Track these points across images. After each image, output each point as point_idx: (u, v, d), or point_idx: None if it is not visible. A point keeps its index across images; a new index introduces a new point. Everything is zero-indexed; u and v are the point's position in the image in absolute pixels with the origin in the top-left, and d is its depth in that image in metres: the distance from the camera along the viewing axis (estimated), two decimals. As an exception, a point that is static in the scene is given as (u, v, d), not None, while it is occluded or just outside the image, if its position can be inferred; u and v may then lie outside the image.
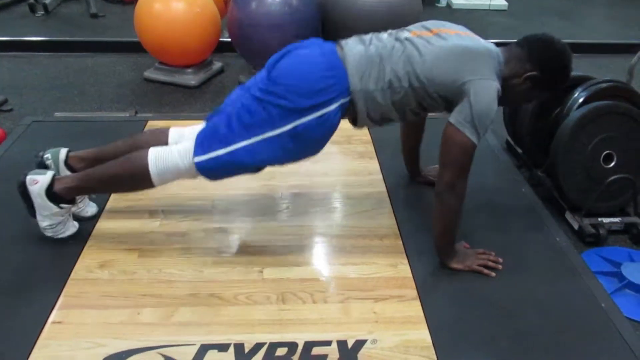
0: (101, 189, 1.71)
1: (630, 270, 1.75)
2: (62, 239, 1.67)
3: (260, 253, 1.69)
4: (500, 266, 1.65)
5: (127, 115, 2.70)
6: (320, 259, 1.68)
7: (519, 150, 2.47)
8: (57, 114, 2.70)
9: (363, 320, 1.45)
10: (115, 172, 1.59)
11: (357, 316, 1.46)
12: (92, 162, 1.79)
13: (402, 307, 1.50)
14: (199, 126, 1.64)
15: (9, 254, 1.63)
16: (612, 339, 1.43)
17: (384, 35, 1.58)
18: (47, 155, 1.73)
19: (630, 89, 2.08)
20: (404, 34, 1.57)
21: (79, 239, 1.69)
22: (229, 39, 3.23)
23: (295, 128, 1.48)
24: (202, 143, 1.53)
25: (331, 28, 3.24)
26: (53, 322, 1.40)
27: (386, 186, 2.05)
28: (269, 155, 1.53)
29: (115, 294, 1.50)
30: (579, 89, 2.10)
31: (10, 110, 2.84)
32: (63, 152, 1.74)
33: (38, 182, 1.59)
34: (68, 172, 1.72)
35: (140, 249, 1.67)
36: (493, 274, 1.62)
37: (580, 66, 3.81)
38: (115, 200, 1.89)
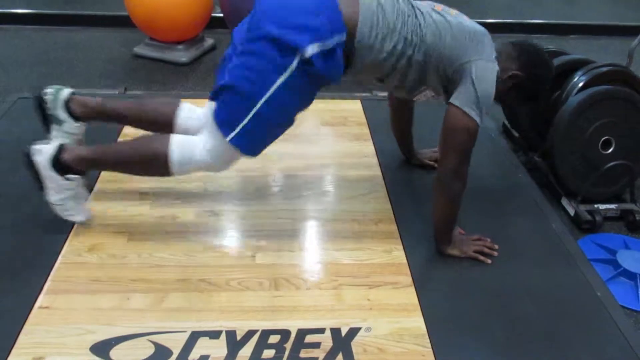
0: (113, 167, 1.64)
1: (625, 258, 1.74)
2: (46, 222, 1.62)
3: (252, 237, 1.66)
4: (495, 253, 1.64)
5: (117, 92, 2.62)
6: (314, 244, 1.65)
7: (516, 134, 2.44)
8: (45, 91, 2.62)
9: (357, 307, 1.43)
10: (135, 153, 1.53)
11: (351, 303, 1.44)
12: (94, 111, 1.71)
13: (396, 294, 1.48)
14: (207, 109, 1.57)
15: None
16: (607, 328, 1.43)
17: None
18: (49, 90, 1.66)
19: (630, 73, 2.05)
20: (413, 2, 1.52)
21: (65, 221, 1.65)
22: (221, 14, 3.15)
23: (299, 66, 1.37)
24: (225, 122, 1.45)
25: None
26: (40, 307, 1.36)
27: (381, 169, 2.02)
28: (292, 101, 1.45)
29: (105, 279, 1.46)
30: (579, 73, 2.06)
31: (-4, 86, 2.77)
32: (66, 91, 1.68)
33: (42, 151, 1.52)
34: (64, 114, 1.66)
35: (130, 232, 1.63)
36: (489, 260, 1.61)
37: (578, 48, 3.80)
38: (105, 181, 1.84)
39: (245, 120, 1.42)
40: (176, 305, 1.40)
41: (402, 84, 1.57)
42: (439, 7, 1.54)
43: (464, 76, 1.45)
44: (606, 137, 1.96)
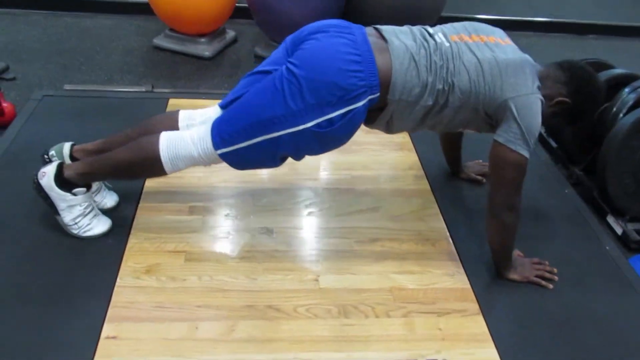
0: (112, 174, 1.60)
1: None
2: (97, 240, 1.56)
3: (311, 258, 1.62)
4: (556, 277, 1.63)
5: (144, 90, 2.53)
6: (375, 266, 1.61)
7: (554, 144, 2.42)
8: (67, 87, 2.51)
9: (429, 337, 1.41)
10: (126, 158, 1.50)
11: (423, 332, 1.42)
12: (98, 153, 1.66)
13: (466, 323, 1.46)
14: (211, 110, 1.57)
15: (43, 256, 1.51)
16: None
17: (426, 35, 1.46)
18: (52, 152, 1.64)
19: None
20: (446, 37, 1.46)
21: (117, 239, 1.59)
22: (244, 4, 3.04)
23: (318, 125, 1.36)
24: (221, 134, 1.42)
25: (357, 2, 3.08)
26: (107, 337, 1.31)
27: (429, 182, 1.99)
28: (290, 150, 1.43)
29: (168, 304, 1.41)
30: (627, 90, 2.04)
31: (14, 79, 2.63)
32: (67, 146, 1.65)
33: (46, 173, 1.51)
34: None
35: (186, 252, 1.58)
36: (550, 285, 1.60)
37: (598, 48, 3.79)
38: (150, 193, 1.78)
39: (241, 145, 1.42)
40: (246, 335, 1.36)
41: (439, 127, 1.55)
42: (474, 37, 1.47)
43: (506, 114, 1.40)
44: (657, 157, 1.96)
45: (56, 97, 2.31)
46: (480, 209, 1.86)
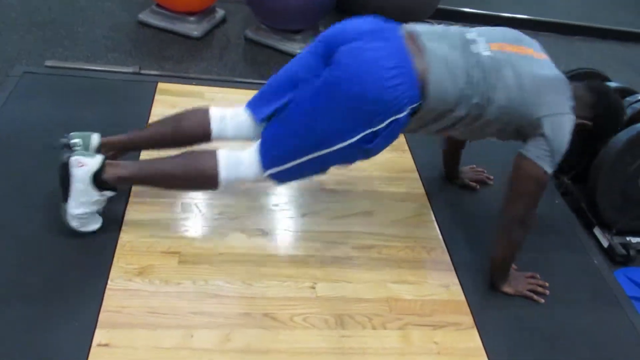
0: (157, 184, 1.55)
1: (661, 298, 1.80)
2: (87, 235, 1.50)
3: (307, 263, 1.59)
4: (547, 291, 1.65)
5: (131, 71, 2.42)
6: (372, 275, 1.60)
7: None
8: (49, 63, 2.38)
9: (425, 351, 1.41)
10: (180, 171, 1.48)
11: (419, 346, 1.42)
12: (125, 148, 1.63)
13: (461, 337, 1.47)
14: (241, 113, 1.54)
15: (29, 254, 1.44)
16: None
17: (465, 41, 1.42)
18: (76, 140, 1.52)
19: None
20: (486, 45, 1.42)
21: (108, 237, 1.53)
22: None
23: (363, 138, 1.37)
24: (271, 156, 1.44)
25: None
26: (99, 345, 1.26)
27: (424, 187, 1.98)
28: (338, 162, 1.46)
29: (163, 310, 1.37)
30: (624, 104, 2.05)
31: (-11, 49, 2.48)
32: (95, 138, 1.54)
33: (85, 165, 1.41)
34: None
35: (180, 254, 1.53)
36: (542, 300, 1.62)
37: (582, 50, 3.82)
38: (140, 190, 1.70)
39: (290, 164, 1.42)
40: (243, 345, 1.33)
41: (462, 135, 1.55)
42: (514, 47, 1.45)
43: (537, 131, 1.40)
44: (646, 172, 1.99)
45: (37, 74, 2.19)
46: (474, 217, 1.89)
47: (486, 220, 1.87)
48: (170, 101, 2.14)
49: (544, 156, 1.41)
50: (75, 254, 1.46)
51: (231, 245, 1.59)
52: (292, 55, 3.02)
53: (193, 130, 1.55)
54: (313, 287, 1.52)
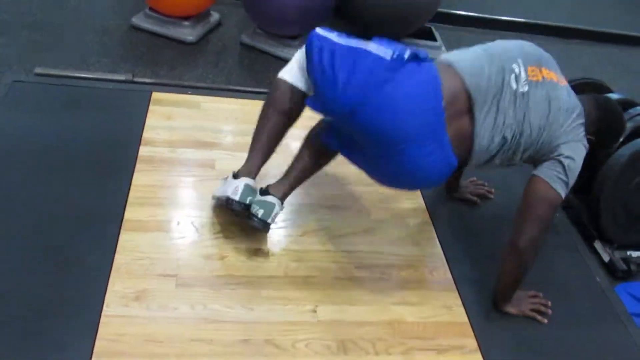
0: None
1: (662, 315, 1.79)
2: (81, 257, 1.46)
3: (308, 285, 1.56)
4: (550, 310, 1.63)
5: (124, 79, 2.36)
6: (375, 296, 1.57)
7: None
8: (38, 70, 2.31)
9: (429, 377, 1.39)
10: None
11: (423, 372, 1.40)
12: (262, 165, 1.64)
13: (465, 362, 1.45)
14: None
15: (23, 277, 1.39)
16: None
17: (509, 77, 1.41)
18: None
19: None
20: (525, 77, 1.43)
21: (103, 259, 1.48)
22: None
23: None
24: None
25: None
26: (95, 377, 1.23)
27: (424, 201, 1.95)
28: None
29: (161, 338, 1.33)
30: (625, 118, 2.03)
31: (-22, 54, 2.41)
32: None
33: (277, 214, 1.56)
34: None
35: (177, 276, 1.49)
36: (545, 320, 1.61)
37: (583, 54, 3.80)
38: (134, 205, 1.65)
39: None
40: (244, 374, 1.30)
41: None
42: (545, 72, 1.45)
43: (553, 155, 1.43)
44: (648, 187, 1.98)
45: (27, 83, 2.12)
46: (475, 233, 1.87)
47: (487, 236, 1.86)
48: (165, 112, 2.09)
49: (558, 179, 1.42)
50: (69, 278, 1.41)
51: (230, 266, 1.55)
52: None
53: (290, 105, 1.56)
54: (315, 311, 1.48)
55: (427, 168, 1.37)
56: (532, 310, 1.61)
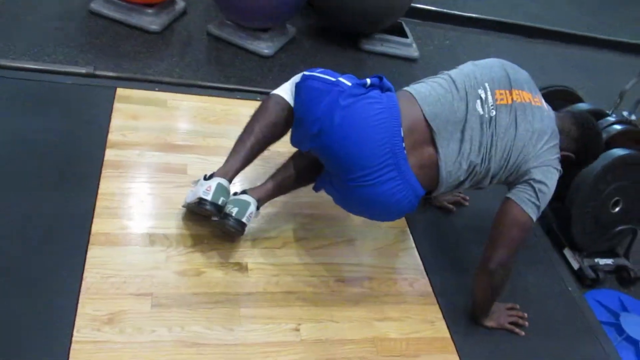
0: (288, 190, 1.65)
1: (628, 323, 1.86)
2: (46, 276, 1.35)
3: (289, 301, 1.51)
4: (527, 323, 1.66)
5: (84, 72, 2.20)
6: (356, 312, 1.54)
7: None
8: (-9, 60, 2.13)
9: (414, 397, 1.38)
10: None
11: (407, 391, 1.39)
12: (240, 170, 1.57)
13: (448, 379, 1.45)
14: None
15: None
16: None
17: (475, 105, 1.42)
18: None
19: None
20: (492, 100, 1.43)
21: (70, 278, 1.38)
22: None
23: None
24: None
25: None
26: (67, 412, 1.14)
27: (402, 210, 1.93)
28: None
29: (137, 366, 1.26)
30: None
31: None
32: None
33: (253, 213, 1.50)
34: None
35: (152, 295, 1.41)
36: (522, 333, 1.63)
37: (547, 54, 3.87)
38: (102, 216, 1.55)
39: None
40: (226, 401, 1.25)
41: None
42: (515, 93, 1.45)
43: (526, 178, 1.43)
44: (616, 198, 2.03)
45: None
46: (452, 241, 1.88)
47: (463, 245, 1.87)
48: (131, 111, 1.96)
49: (529, 201, 1.42)
50: (33, 301, 1.31)
51: (207, 283, 1.49)
52: (258, 55, 2.91)
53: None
54: (297, 330, 1.44)
55: (390, 196, 1.38)
56: (510, 323, 1.63)
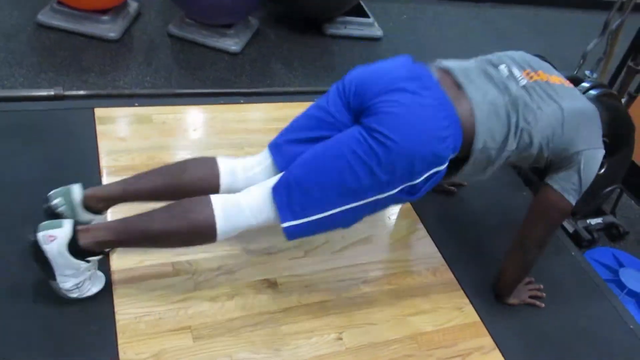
0: (145, 244, 1.35)
1: (628, 278, 1.98)
2: (79, 324, 1.29)
3: (325, 310, 1.51)
4: (544, 294, 1.73)
5: (53, 93, 2.05)
6: (390, 310, 1.56)
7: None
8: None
9: (463, 385, 1.43)
10: (170, 227, 1.28)
11: (456, 381, 1.43)
12: (117, 201, 1.41)
13: (488, 362, 1.50)
14: (255, 163, 1.44)
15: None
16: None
17: (502, 76, 1.40)
18: (57, 201, 1.32)
19: (618, 97, 2.21)
20: (519, 75, 1.42)
21: (103, 323, 1.31)
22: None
23: (402, 190, 1.32)
24: (292, 206, 1.28)
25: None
26: None
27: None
28: (367, 213, 1.37)
29: (196, 406, 1.23)
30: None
31: None
32: (77, 192, 1.34)
33: (55, 237, 1.21)
34: (88, 215, 1.36)
35: (191, 328, 1.37)
36: (542, 305, 1.70)
37: (499, 18, 3.95)
38: (120, 256, 1.47)
39: (315, 217, 1.30)
40: None
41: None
42: (542, 75, 1.45)
43: (571, 164, 1.42)
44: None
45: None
46: (461, 223, 1.91)
47: (474, 227, 1.91)
48: (116, 133, 1.87)
49: (571, 189, 1.44)
50: (72, 356, 1.24)
51: (242, 306, 1.46)
52: (226, 53, 2.81)
53: (197, 184, 1.38)
54: (340, 338, 1.45)
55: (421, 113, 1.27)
56: (531, 297, 1.70)
